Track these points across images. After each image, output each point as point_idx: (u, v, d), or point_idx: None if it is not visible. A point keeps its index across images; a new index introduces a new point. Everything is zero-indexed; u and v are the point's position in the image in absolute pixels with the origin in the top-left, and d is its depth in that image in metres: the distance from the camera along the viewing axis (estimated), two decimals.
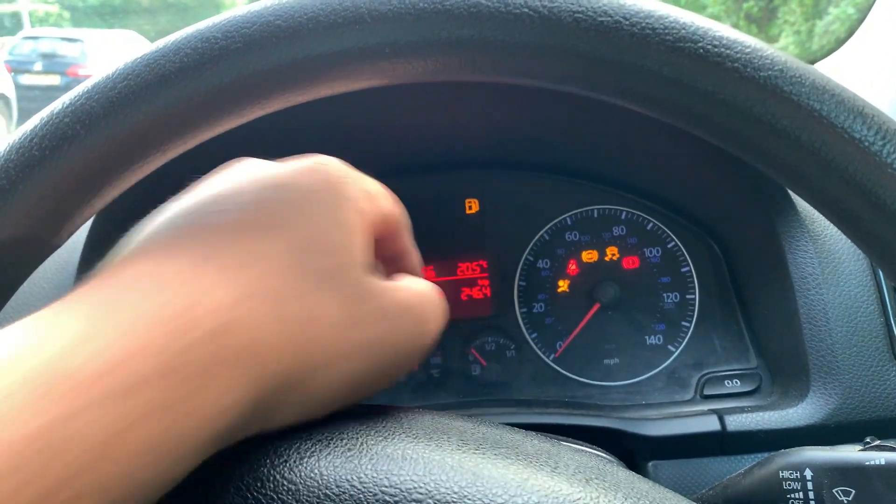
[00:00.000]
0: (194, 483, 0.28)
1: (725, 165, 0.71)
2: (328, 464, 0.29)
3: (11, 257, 0.32)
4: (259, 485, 0.28)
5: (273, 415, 0.29)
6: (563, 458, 0.31)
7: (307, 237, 0.30)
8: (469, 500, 0.27)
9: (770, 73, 0.28)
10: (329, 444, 0.30)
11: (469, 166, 0.83)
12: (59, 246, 0.34)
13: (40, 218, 0.31)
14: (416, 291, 0.35)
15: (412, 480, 0.28)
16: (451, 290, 0.82)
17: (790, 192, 0.67)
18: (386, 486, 0.27)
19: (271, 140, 0.73)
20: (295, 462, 0.29)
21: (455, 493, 0.27)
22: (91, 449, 0.21)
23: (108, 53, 8.85)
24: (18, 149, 0.30)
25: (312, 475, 0.28)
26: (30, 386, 0.21)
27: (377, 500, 0.27)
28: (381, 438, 0.31)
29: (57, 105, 0.31)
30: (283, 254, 0.29)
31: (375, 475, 0.28)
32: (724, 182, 0.74)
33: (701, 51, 0.28)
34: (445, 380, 0.80)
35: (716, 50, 0.28)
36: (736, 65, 0.28)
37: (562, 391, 0.77)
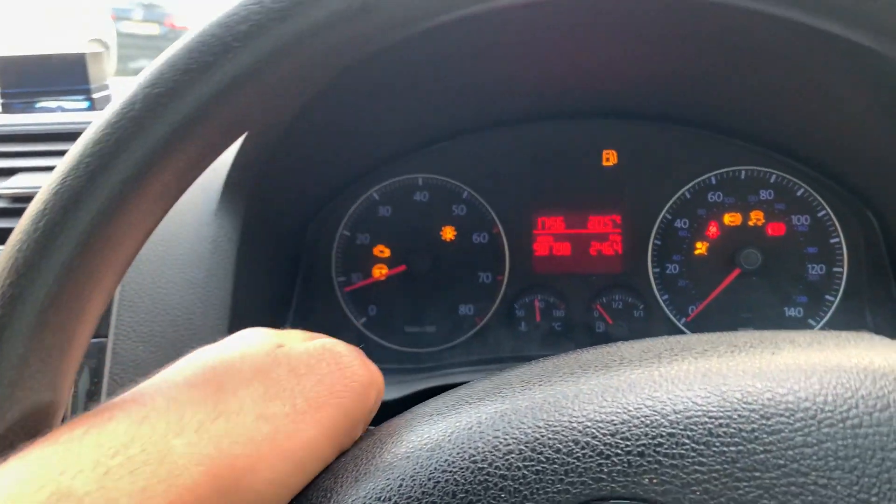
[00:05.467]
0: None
1: (891, 125, 0.66)
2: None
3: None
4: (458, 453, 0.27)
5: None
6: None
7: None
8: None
9: None
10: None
11: (610, 115, 0.79)
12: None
13: None
14: None
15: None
16: (580, 244, 0.79)
17: None
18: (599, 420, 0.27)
19: (420, 95, 0.72)
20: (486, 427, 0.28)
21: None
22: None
23: (203, 6, 9.03)
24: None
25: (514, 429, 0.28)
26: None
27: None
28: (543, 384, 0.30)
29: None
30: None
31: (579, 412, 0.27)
32: (889, 144, 0.68)
33: None
34: (568, 332, 0.78)
35: None
36: None
37: None
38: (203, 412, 0.29)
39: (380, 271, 0.80)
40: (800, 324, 0.74)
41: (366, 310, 0.80)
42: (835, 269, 0.75)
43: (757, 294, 0.75)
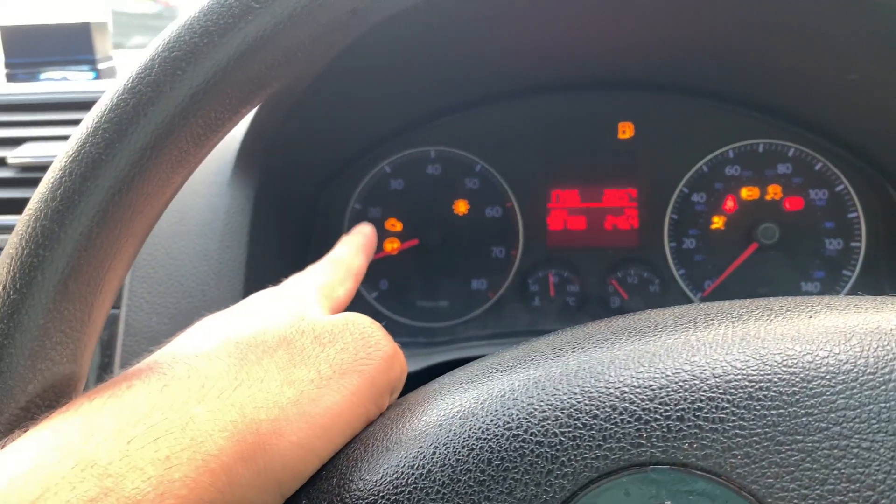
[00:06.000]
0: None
1: None
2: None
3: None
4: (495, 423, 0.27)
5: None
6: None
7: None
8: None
9: None
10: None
11: (626, 87, 0.78)
12: None
13: None
14: None
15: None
16: (595, 218, 0.78)
17: None
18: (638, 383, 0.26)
19: (433, 65, 0.71)
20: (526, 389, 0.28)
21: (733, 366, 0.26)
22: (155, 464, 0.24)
23: None
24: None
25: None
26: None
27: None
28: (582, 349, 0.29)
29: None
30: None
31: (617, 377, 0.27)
32: None
33: None
34: (583, 307, 0.77)
35: None
36: None
37: None
38: (225, 380, 0.28)
39: (391, 245, 0.79)
40: None
41: (377, 284, 0.80)
42: (853, 244, 0.74)
43: (774, 269, 0.75)
